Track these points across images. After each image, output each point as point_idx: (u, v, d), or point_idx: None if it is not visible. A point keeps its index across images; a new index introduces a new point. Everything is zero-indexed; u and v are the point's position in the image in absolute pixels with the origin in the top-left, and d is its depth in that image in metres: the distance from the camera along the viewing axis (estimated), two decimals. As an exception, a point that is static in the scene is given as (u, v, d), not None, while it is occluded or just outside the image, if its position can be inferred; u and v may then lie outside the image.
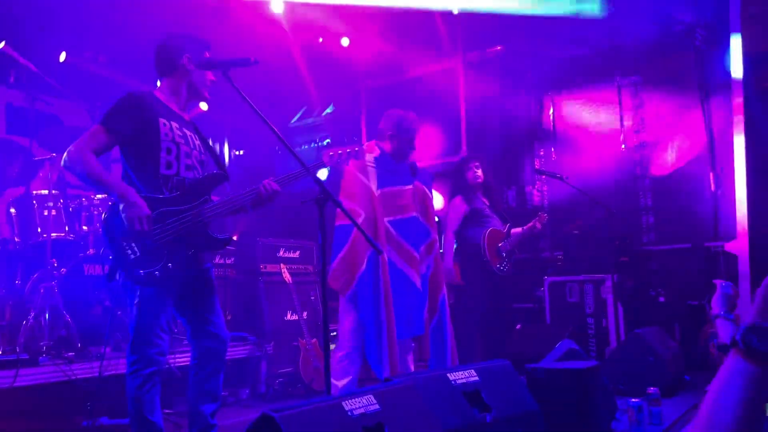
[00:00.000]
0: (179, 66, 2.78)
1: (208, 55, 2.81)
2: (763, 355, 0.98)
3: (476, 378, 2.49)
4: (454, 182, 5.03)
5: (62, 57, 6.23)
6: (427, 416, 2.11)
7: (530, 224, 5.04)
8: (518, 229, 5.05)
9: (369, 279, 3.43)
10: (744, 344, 1.00)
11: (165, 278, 2.60)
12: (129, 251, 2.56)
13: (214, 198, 2.81)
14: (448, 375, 2.43)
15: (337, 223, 3.51)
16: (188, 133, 2.82)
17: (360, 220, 3.44)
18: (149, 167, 2.66)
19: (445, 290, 3.78)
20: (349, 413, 1.87)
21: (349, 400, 1.90)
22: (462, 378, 2.46)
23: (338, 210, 2.88)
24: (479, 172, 4.91)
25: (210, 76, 2.81)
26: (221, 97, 2.99)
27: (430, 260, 3.72)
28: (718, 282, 2.50)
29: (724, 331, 2.32)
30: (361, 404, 1.92)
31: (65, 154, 2.55)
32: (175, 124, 2.74)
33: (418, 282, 3.58)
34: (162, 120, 2.68)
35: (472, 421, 2.32)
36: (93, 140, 2.55)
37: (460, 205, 4.90)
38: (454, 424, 2.22)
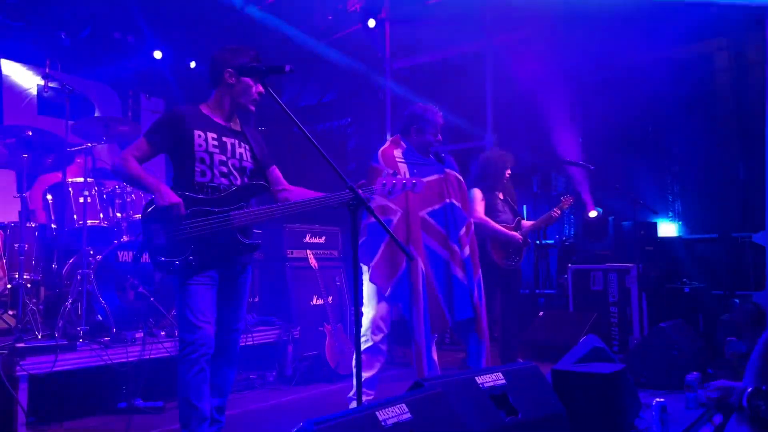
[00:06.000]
0: (222, 80, 2.87)
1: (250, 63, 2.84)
2: None
3: (503, 381, 2.55)
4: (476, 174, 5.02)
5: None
6: (456, 422, 2.18)
7: (547, 214, 5.07)
8: (529, 223, 5.06)
9: (407, 279, 3.49)
10: (751, 410, 0.97)
11: (187, 270, 2.73)
12: (156, 237, 2.74)
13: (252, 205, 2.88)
14: (476, 378, 2.49)
15: (370, 220, 3.54)
16: (229, 141, 2.90)
17: (396, 218, 3.51)
18: (186, 175, 2.82)
19: (480, 272, 3.81)
20: (382, 423, 1.93)
21: (382, 410, 1.96)
22: (489, 381, 2.51)
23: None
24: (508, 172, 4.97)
25: (259, 88, 2.86)
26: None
27: (467, 241, 3.76)
28: None
29: None
30: (393, 413, 1.98)
31: (115, 159, 2.82)
32: (212, 135, 2.85)
33: (459, 268, 3.65)
34: (197, 132, 2.83)
35: (500, 424, 2.38)
36: (136, 149, 2.83)
37: (477, 194, 4.92)
38: (481, 429, 2.28)
